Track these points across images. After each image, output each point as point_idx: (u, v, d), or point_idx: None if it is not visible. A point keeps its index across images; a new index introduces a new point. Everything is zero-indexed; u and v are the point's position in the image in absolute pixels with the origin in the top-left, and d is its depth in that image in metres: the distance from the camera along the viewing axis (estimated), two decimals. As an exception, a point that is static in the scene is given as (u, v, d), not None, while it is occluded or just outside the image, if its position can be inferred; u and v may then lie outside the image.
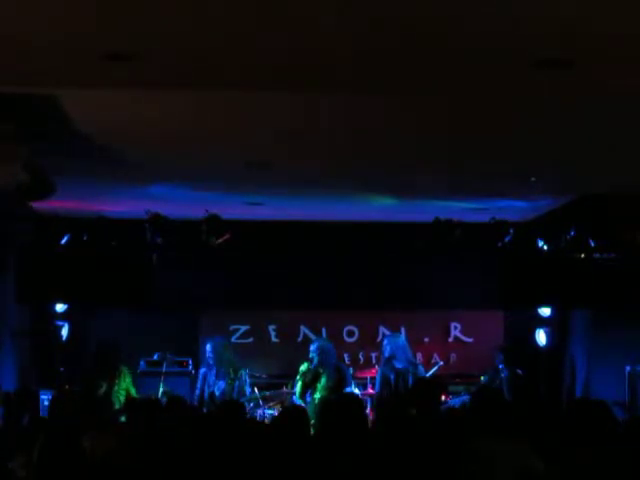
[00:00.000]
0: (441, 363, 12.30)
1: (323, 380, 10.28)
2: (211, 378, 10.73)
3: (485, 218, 10.90)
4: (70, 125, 7.47)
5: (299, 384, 10.38)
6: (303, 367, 10.43)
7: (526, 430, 5.45)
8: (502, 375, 10.81)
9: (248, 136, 8.04)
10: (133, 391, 10.27)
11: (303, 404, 10.28)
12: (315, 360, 10.35)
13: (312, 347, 10.51)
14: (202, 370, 10.90)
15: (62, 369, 10.91)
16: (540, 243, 11.06)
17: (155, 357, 11.55)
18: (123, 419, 8.24)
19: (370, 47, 5.73)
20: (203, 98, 6.93)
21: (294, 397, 10.49)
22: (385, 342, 10.47)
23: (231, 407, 6.27)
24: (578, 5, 5.06)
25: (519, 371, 10.79)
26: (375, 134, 7.99)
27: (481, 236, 10.96)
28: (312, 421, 6.56)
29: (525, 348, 11.89)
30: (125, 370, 10.50)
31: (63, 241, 10.52)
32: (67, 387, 10.52)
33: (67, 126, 7.47)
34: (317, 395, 10.24)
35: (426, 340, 12.86)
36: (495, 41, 5.61)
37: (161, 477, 5.21)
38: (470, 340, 12.88)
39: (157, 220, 10.46)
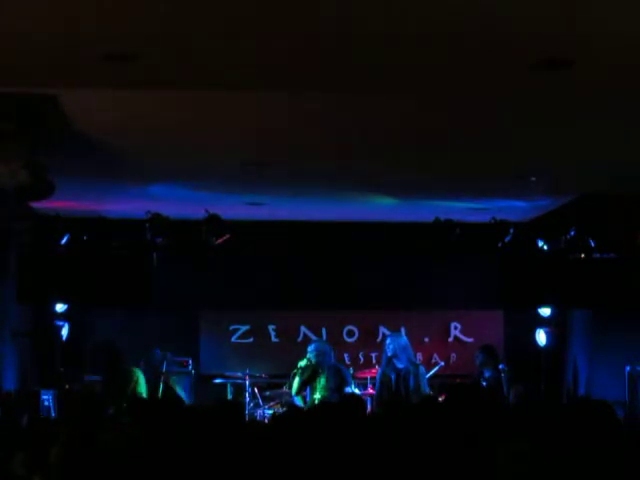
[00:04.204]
0: (442, 363, 12.30)
1: (322, 381, 10.27)
2: None
3: (485, 218, 10.91)
4: (70, 125, 7.48)
5: (297, 379, 10.34)
6: (302, 363, 10.41)
7: (526, 430, 5.45)
8: (486, 375, 10.80)
9: (248, 136, 8.04)
10: (143, 391, 10.24)
11: (301, 402, 10.29)
12: (313, 361, 10.34)
13: (309, 348, 10.51)
14: None
15: (62, 369, 10.90)
16: (540, 243, 11.05)
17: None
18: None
19: (370, 47, 5.74)
20: (203, 98, 6.94)
21: (292, 395, 10.48)
22: (388, 341, 10.45)
23: (230, 407, 6.26)
24: (578, 5, 5.07)
25: (502, 366, 10.77)
26: (375, 134, 7.99)
27: (481, 236, 10.95)
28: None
29: (525, 348, 11.89)
30: (138, 372, 10.47)
31: (63, 241, 10.51)
32: (67, 387, 10.53)
33: (67, 126, 7.47)
34: (317, 395, 10.22)
35: (426, 340, 12.86)
36: (495, 41, 5.62)
37: (160, 477, 5.21)
38: (470, 340, 12.87)
39: (157, 220, 10.46)
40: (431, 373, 11.33)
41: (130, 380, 10.20)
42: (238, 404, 6.82)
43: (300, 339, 12.67)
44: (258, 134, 7.95)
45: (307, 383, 10.34)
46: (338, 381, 10.31)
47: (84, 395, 7.51)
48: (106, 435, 5.57)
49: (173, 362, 11.61)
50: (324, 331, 12.78)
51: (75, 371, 11.26)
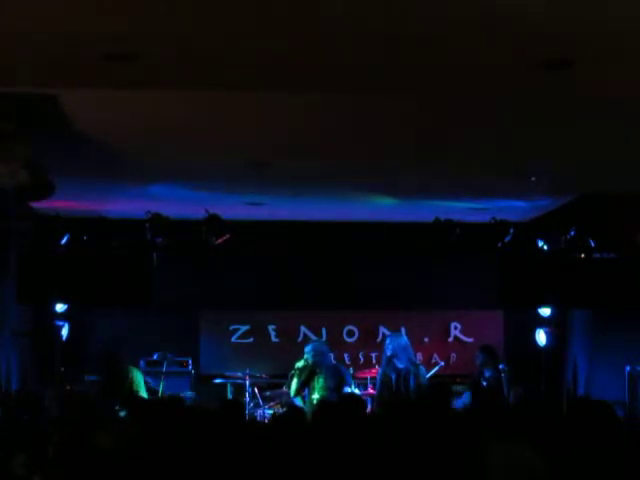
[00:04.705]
0: (442, 363, 12.31)
1: (321, 381, 10.26)
2: None
3: (485, 218, 10.91)
4: (70, 125, 7.47)
5: (295, 380, 10.34)
6: (299, 364, 10.42)
7: (526, 430, 5.45)
8: (486, 375, 10.79)
9: (248, 136, 8.04)
10: (143, 392, 10.25)
11: (301, 402, 10.28)
12: (310, 362, 10.34)
13: (306, 349, 10.50)
14: None
15: (62, 369, 10.90)
16: (540, 243, 11.05)
17: (155, 357, 11.56)
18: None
19: (370, 47, 5.74)
20: (203, 98, 6.94)
21: (292, 396, 10.48)
22: (387, 341, 10.45)
23: (231, 407, 6.27)
24: (578, 5, 5.07)
25: (502, 366, 10.77)
26: (375, 134, 7.99)
27: (481, 236, 10.95)
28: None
29: (525, 348, 11.89)
30: (135, 371, 10.48)
31: (63, 241, 10.51)
32: (68, 387, 10.52)
33: (67, 126, 7.47)
34: (316, 395, 10.21)
35: (426, 340, 12.86)
36: (495, 41, 5.62)
37: (159, 477, 5.21)
38: (470, 340, 12.88)
39: (157, 220, 10.46)
40: (431, 373, 11.33)
41: (125, 380, 10.21)
42: (239, 403, 6.82)
43: (300, 339, 12.67)
44: (258, 134, 7.95)
45: (305, 384, 10.33)
46: (337, 381, 10.29)
47: (78, 395, 7.51)
48: (104, 435, 5.58)
49: (173, 362, 11.63)
50: (324, 331, 12.78)
51: (75, 371, 11.26)
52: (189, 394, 10.98)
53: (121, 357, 10.50)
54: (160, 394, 10.67)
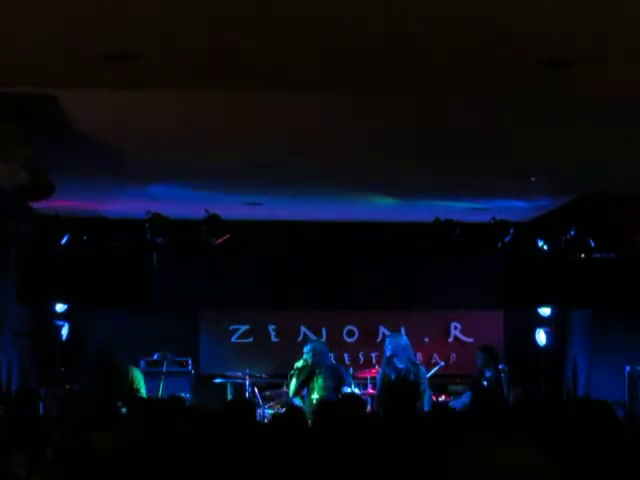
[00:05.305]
0: (442, 363, 12.30)
1: (320, 380, 10.26)
2: None
3: (485, 218, 10.91)
4: (70, 125, 7.48)
5: (294, 380, 10.34)
6: (298, 364, 10.42)
7: (526, 430, 5.45)
8: (487, 375, 10.79)
9: (248, 136, 8.05)
10: (143, 390, 10.26)
11: (300, 402, 10.27)
12: (309, 362, 10.34)
13: (305, 349, 10.50)
14: None
15: (62, 369, 10.90)
16: (540, 243, 11.06)
17: (155, 357, 11.56)
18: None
19: (371, 46, 5.74)
20: (203, 98, 6.94)
21: (290, 396, 10.47)
22: (387, 341, 10.46)
23: (235, 407, 6.26)
24: (578, 5, 5.07)
25: (501, 366, 10.77)
26: (375, 134, 7.99)
27: (481, 236, 10.96)
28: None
29: (525, 348, 11.89)
30: (135, 370, 10.49)
31: (63, 241, 10.52)
32: (68, 387, 10.53)
33: (67, 126, 7.47)
34: (315, 396, 10.20)
35: (426, 340, 12.86)
36: (495, 41, 5.62)
37: (159, 476, 5.21)
38: (470, 340, 12.88)
39: (157, 220, 10.47)
40: (431, 373, 11.33)
41: (125, 379, 10.21)
42: (248, 403, 6.81)
43: (300, 339, 12.66)
44: (258, 134, 7.95)
45: (305, 384, 10.32)
46: (336, 381, 10.29)
47: (78, 395, 7.52)
48: (104, 435, 5.57)
49: (173, 362, 11.62)
50: (324, 331, 12.78)
51: (75, 371, 11.26)
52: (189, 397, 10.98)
53: (121, 356, 10.50)
54: (160, 395, 10.66)
